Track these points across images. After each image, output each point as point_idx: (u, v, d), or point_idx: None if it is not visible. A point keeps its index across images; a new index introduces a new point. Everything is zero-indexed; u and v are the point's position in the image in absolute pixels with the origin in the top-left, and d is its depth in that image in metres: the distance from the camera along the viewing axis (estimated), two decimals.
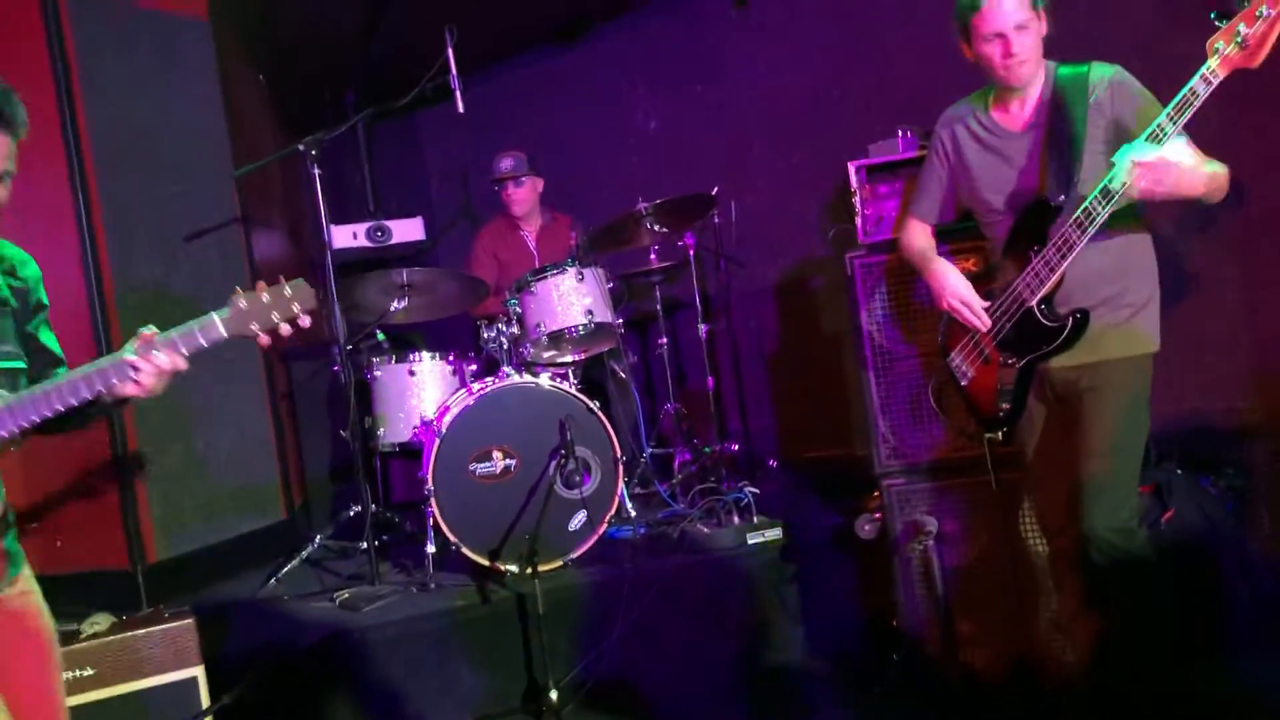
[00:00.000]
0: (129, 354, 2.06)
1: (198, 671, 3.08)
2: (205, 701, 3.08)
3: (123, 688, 2.98)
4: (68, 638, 3.00)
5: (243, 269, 4.74)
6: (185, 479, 4.33)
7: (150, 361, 2.06)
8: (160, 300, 4.24)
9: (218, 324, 2.07)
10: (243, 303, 2.08)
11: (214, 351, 4.60)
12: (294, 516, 4.98)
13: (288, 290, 2.09)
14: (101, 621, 3.07)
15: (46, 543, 4.09)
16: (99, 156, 4.10)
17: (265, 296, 2.08)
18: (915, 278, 3.35)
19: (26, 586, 2.24)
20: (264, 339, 2.10)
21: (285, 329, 2.10)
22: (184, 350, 2.08)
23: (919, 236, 3.18)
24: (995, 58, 2.77)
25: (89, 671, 2.95)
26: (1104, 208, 2.62)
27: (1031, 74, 2.81)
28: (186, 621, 3.09)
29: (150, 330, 2.09)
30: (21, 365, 2.18)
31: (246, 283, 4.85)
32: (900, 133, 3.61)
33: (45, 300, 2.30)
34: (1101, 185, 2.61)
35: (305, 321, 2.11)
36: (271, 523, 4.77)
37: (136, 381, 2.07)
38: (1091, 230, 2.65)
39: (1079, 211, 2.66)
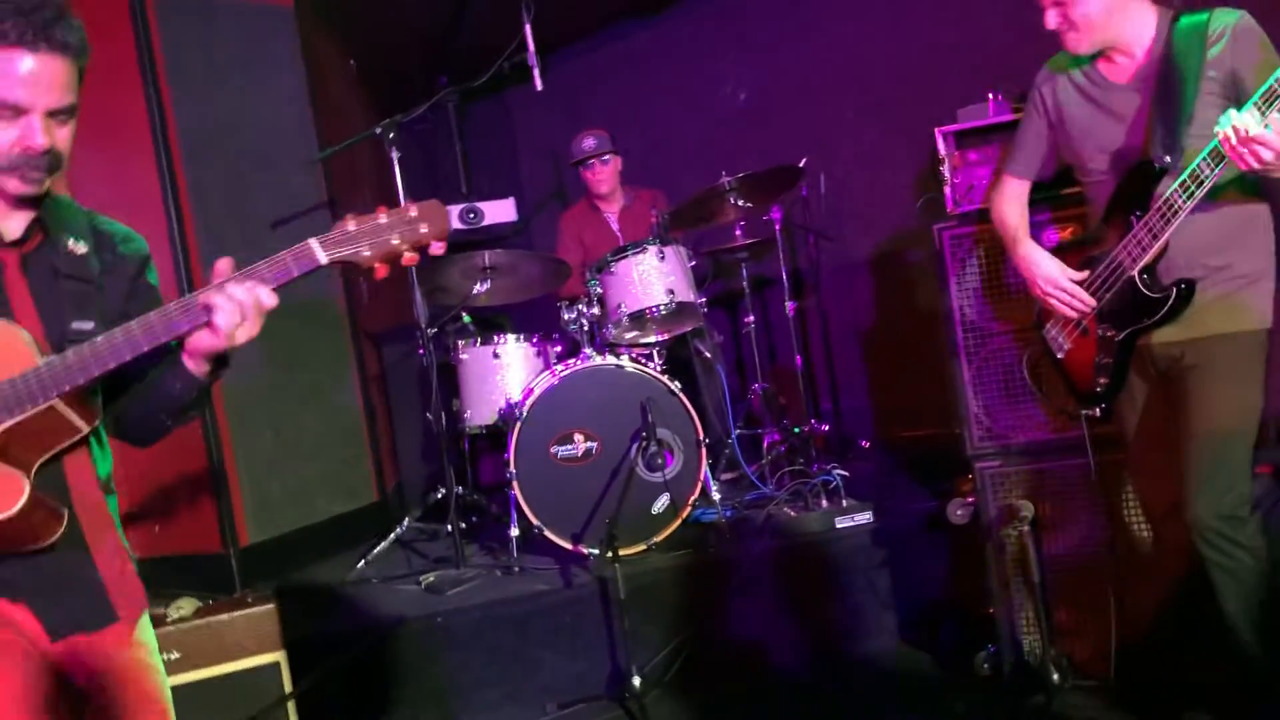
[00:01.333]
0: (202, 294, 1.71)
1: (279, 656, 3.11)
2: (288, 686, 3.11)
3: (207, 672, 3.03)
4: (155, 621, 3.06)
5: None
6: (276, 463, 4.40)
7: (228, 297, 1.70)
8: None
9: (315, 249, 1.73)
10: (351, 225, 1.75)
11: (302, 334, 4.64)
12: (385, 498, 5.04)
13: (413, 212, 1.76)
14: (186, 606, 3.12)
15: (144, 528, 4.21)
16: (186, 147, 4.17)
17: (383, 219, 1.75)
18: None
19: (138, 639, 1.91)
20: (381, 269, 1.76)
21: (410, 257, 1.77)
22: (272, 281, 1.73)
23: (1013, 205, 2.98)
24: None
25: (174, 655, 3.00)
26: (1213, 172, 2.40)
27: (1083, 44, 2.64)
28: (268, 607, 3.11)
29: (226, 261, 1.75)
30: None
31: (336, 266, 4.93)
32: (991, 96, 3.41)
33: (154, 282, 2.00)
34: (1210, 147, 2.40)
35: (437, 248, 1.78)
36: (363, 505, 4.84)
37: (211, 324, 1.70)
38: (1199, 194, 2.43)
39: (1185, 174, 2.45)
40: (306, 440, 4.56)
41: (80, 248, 1.85)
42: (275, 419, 4.43)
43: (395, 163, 4.03)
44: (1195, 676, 2.80)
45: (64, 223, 1.86)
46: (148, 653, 1.94)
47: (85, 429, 1.76)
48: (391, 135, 4.00)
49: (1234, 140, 2.28)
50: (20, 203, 1.78)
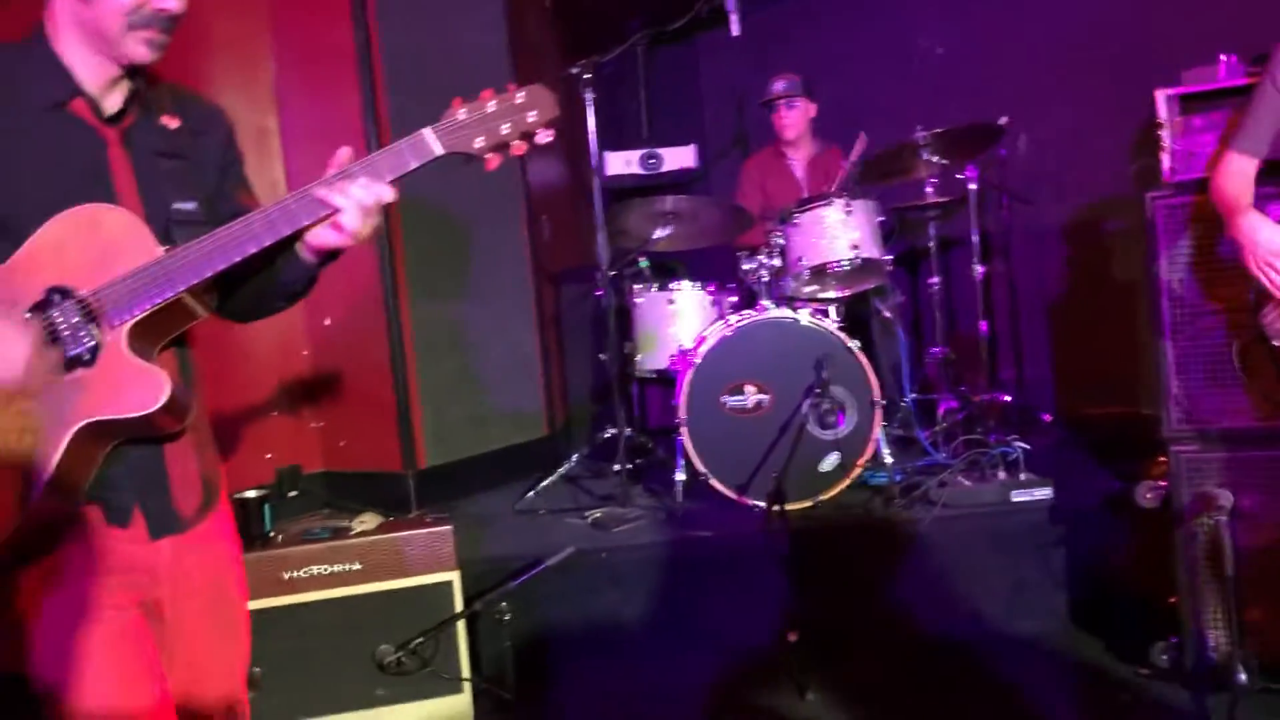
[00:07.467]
0: (319, 189, 1.69)
1: (453, 576, 3.24)
2: (458, 605, 3.23)
3: (385, 584, 3.18)
4: (340, 532, 3.23)
5: (518, 190, 4.88)
6: (457, 391, 4.55)
7: (348, 194, 1.68)
8: (439, 216, 4.42)
9: (429, 140, 1.69)
10: (462, 113, 1.69)
11: (487, 271, 4.75)
12: (555, 434, 5.16)
13: (520, 97, 1.69)
14: (370, 520, 3.27)
15: (331, 442, 4.41)
16: (388, 74, 4.25)
17: (491, 105, 1.69)
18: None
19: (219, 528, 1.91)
20: (492, 159, 1.72)
21: (518, 146, 1.71)
22: (388, 174, 1.69)
23: (1236, 178, 2.78)
24: None
25: (356, 566, 3.16)
26: None
27: None
28: (445, 528, 3.24)
29: (345, 153, 1.72)
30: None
31: (521, 206, 5.00)
32: (1223, 58, 3.18)
33: (240, 155, 1.98)
34: None
35: (544, 137, 1.72)
36: (533, 438, 4.97)
37: (337, 225, 1.70)
38: None
39: None
40: (486, 372, 4.69)
41: (173, 122, 1.81)
42: (459, 349, 4.57)
43: (590, 104, 4.05)
44: None
45: (154, 96, 1.81)
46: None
47: (204, 315, 1.77)
48: (587, 76, 4.02)
49: None
50: (120, 74, 1.73)
